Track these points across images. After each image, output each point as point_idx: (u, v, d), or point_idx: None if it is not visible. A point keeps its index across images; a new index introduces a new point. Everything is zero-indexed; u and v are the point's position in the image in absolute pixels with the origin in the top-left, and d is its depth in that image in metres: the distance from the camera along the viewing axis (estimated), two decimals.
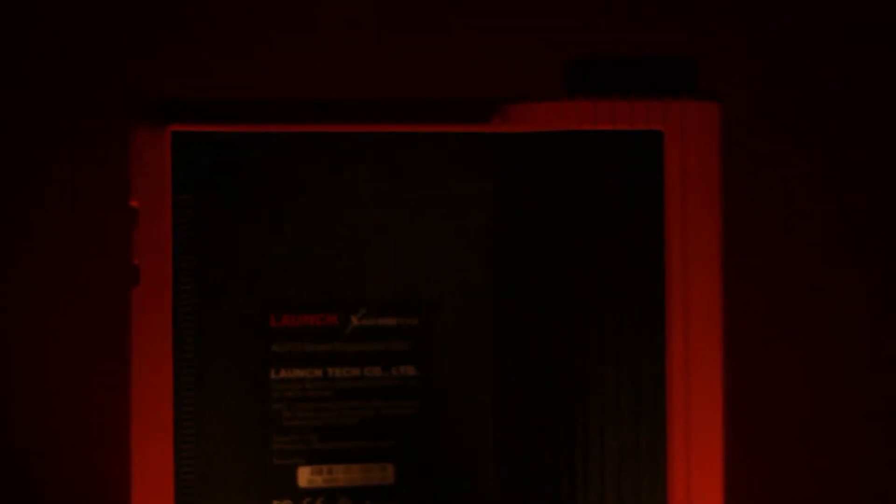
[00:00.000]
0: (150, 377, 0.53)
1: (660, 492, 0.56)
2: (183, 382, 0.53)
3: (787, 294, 0.81)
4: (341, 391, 0.55)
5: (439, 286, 0.56)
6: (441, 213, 0.56)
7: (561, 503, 0.56)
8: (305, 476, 0.54)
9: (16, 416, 0.82)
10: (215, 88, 0.77)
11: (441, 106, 0.56)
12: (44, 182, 0.81)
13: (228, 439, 0.54)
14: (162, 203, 0.54)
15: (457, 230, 0.56)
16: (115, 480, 0.80)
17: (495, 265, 0.56)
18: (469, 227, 0.56)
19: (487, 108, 0.56)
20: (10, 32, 0.80)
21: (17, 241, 0.81)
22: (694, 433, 0.56)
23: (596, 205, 0.56)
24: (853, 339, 0.81)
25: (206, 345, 0.53)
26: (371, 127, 0.55)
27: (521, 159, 0.56)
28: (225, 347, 0.54)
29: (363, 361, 0.55)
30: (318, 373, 0.55)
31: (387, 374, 0.55)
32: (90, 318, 0.81)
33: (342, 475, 0.54)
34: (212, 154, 0.54)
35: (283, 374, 0.54)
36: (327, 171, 0.54)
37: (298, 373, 0.54)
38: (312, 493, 0.54)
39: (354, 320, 0.55)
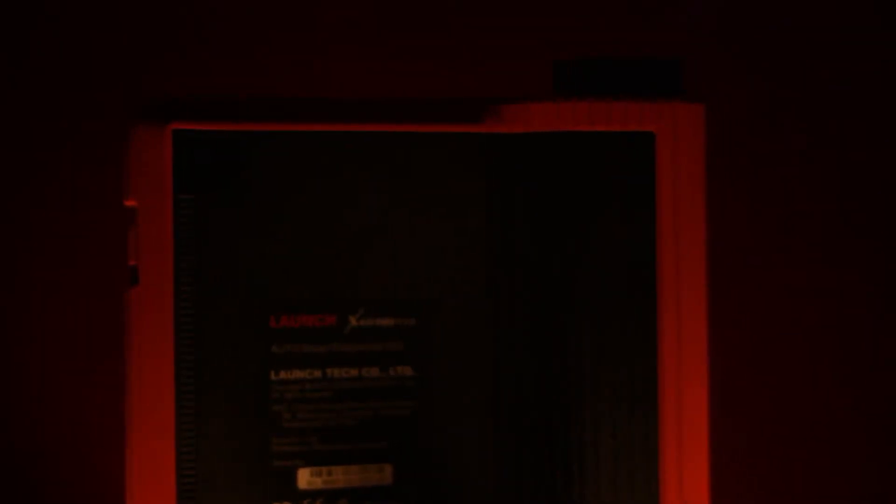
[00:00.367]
0: (150, 379, 0.53)
1: (653, 489, 0.56)
2: (183, 384, 0.53)
3: (787, 294, 0.81)
4: (340, 392, 0.55)
5: (437, 286, 0.56)
6: (437, 213, 0.56)
7: (557, 502, 0.56)
8: (305, 478, 0.54)
9: (16, 416, 0.82)
10: (215, 88, 0.77)
11: (435, 106, 0.56)
12: (44, 182, 0.81)
13: (228, 441, 0.53)
14: (162, 203, 0.53)
15: (453, 230, 0.56)
16: (115, 480, 0.80)
17: (489, 265, 0.56)
18: (464, 228, 0.56)
19: (481, 109, 0.56)
20: (10, 32, 0.80)
21: (17, 241, 0.81)
22: (685, 430, 0.57)
23: (589, 205, 0.56)
24: (853, 339, 0.81)
25: (205, 346, 0.53)
26: (365, 126, 0.54)
27: (514, 159, 0.56)
28: (224, 349, 0.54)
29: (361, 362, 0.55)
30: (318, 374, 0.55)
31: (384, 374, 0.55)
32: (90, 318, 0.81)
33: (341, 476, 0.54)
34: (212, 153, 0.54)
35: (283, 375, 0.54)
36: (325, 170, 0.54)
37: (298, 374, 0.54)
38: (312, 494, 0.54)
39: (353, 321, 0.55)
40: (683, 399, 0.57)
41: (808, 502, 0.80)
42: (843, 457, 0.81)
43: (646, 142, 0.56)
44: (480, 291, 0.56)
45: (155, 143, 0.53)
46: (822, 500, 0.80)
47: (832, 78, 0.80)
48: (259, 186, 0.54)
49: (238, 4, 0.80)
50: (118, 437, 0.80)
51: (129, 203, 0.53)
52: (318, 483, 0.54)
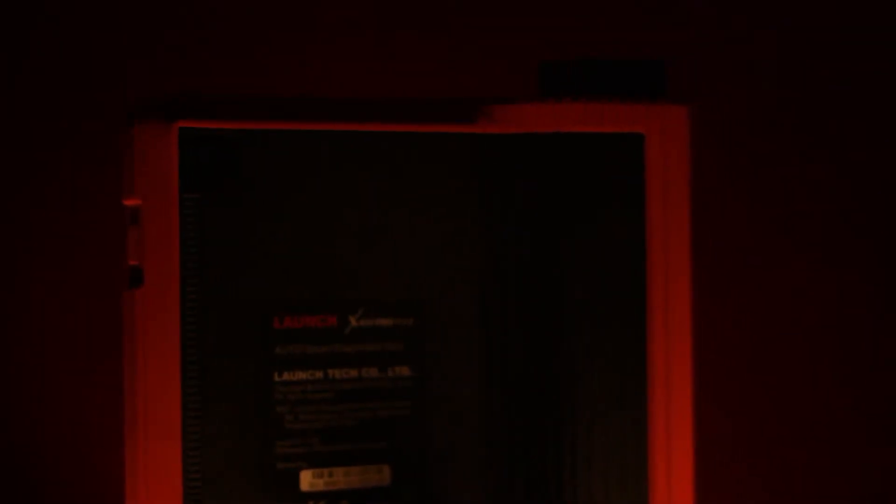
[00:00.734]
0: (155, 381, 0.52)
1: (643, 489, 0.56)
2: (188, 386, 0.52)
3: (787, 294, 0.81)
4: (341, 393, 0.55)
5: (434, 286, 0.56)
6: (432, 213, 0.55)
7: (550, 501, 0.56)
8: (308, 480, 0.54)
9: (16, 416, 0.82)
10: (215, 88, 0.77)
11: (427, 106, 0.56)
12: (44, 182, 0.81)
13: (234, 444, 0.53)
14: (168, 202, 0.52)
15: (448, 230, 0.56)
16: (115, 480, 0.80)
17: (483, 265, 0.56)
18: (459, 228, 0.56)
19: (473, 109, 0.56)
20: (10, 32, 0.80)
21: (17, 241, 0.81)
22: (673, 430, 0.57)
23: (579, 205, 0.56)
24: (853, 339, 0.81)
25: (210, 348, 0.53)
26: (359, 126, 0.54)
27: (506, 159, 0.56)
28: (229, 350, 0.53)
29: (361, 362, 0.55)
30: (319, 374, 0.54)
31: (383, 374, 0.55)
32: (90, 318, 0.81)
33: (342, 478, 0.54)
34: (217, 152, 0.53)
35: (286, 376, 0.54)
36: (325, 169, 0.54)
37: (301, 375, 0.54)
38: (314, 496, 0.54)
39: (353, 321, 0.55)
40: (672, 398, 0.57)
41: (808, 502, 0.80)
42: (843, 457, 0.81)
43: (635, 143, 0.56)
44: (474, 291, 0.56)
45: (160, 141, 0.52)
46: (822, 500, 0.80)
47: (832, 78, 0.80)
48: (261, 185, 0.53)
49: (238, 4, 0.80)
50: (118, 437, 0.80)
51: (130, 202, 0.53)
52: (320, 485, 0.54)
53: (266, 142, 0.53)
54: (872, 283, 0.81)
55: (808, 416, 0.81)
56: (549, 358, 0.56)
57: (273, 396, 0.53)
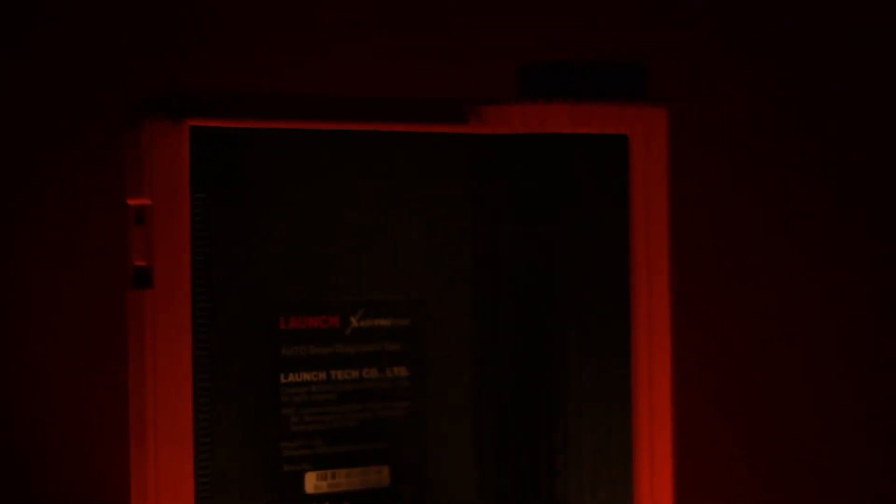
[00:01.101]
0: (165, 383, 0.51)
1: (628, 488, 0.57)
2: (199, 389, 0.52)
3: (787, 294, 0.81)
4: (343, 394, 0.54)
5: (430, 285, 0.56)
6: (427, 213, 0.55)
7: (540, 500, 0.56)
8: (312, 482, 0.54)
9: (16, 416, 0.82)
10: (215, 88, 0.77)
11: (419, 107, 0.55)
12: (44, 182, 0.81)
13: (242, 447, 0.53)
14: (178, 201, 0.52)
15: (442, 230, 0.56)
16: (115, 480, 0.80)
17: (474, 265, 0.56)
18: (452, 228, 0.56)
19: (464, 110, 0.56)
20: (10, 32, 0.80)
21: (17, 241, 0.81)
22: (656, 428, 0.57)
23: (566, 205, 0.56)
24: (853, 339, 0.81)
25: (219, 349, 0.52)
26: (350, 125, 0.54)
27: (497, 160, 0.56)
28: (236, 351, 0.53)
29: (361, 363, 0.55)
30: (323, 375, 0.54)
31: (382, 375, 0.55)
32: (90, 318, 0.81)
33: (344, 479, 0.54)
34: (225, 150, 0.53)
35: (292, 377, 0.54)
36: (327, 169, 0.54)
37: (305, 376, 0.54)
38: (318, 498, 0.54)
39: (354, 321, 0.55)
40: (654, 396, 0.57)
41: (807, 502, 0.81)
42: (843, 457, 0.81)
43: (619, 144, 0.57)
44: (468, 291, 0.56)
45: (171, 140, 0.51)
46: (822, 500, 0.80)
47: (832, 78, 0.80)
48: (266, 185, 0.53)
49: (238, 4, 0.80)
50: (118, 437, 0.80)
51: (136, 201, 0.52)
52: (324, 487, 0.54)
53: (270, 141, 0.53)
54: (872, 283, 0.81)
55: (808, 416, 0.81)
56: (537, 358, 0.56)
57: (280, 398, 0.53)
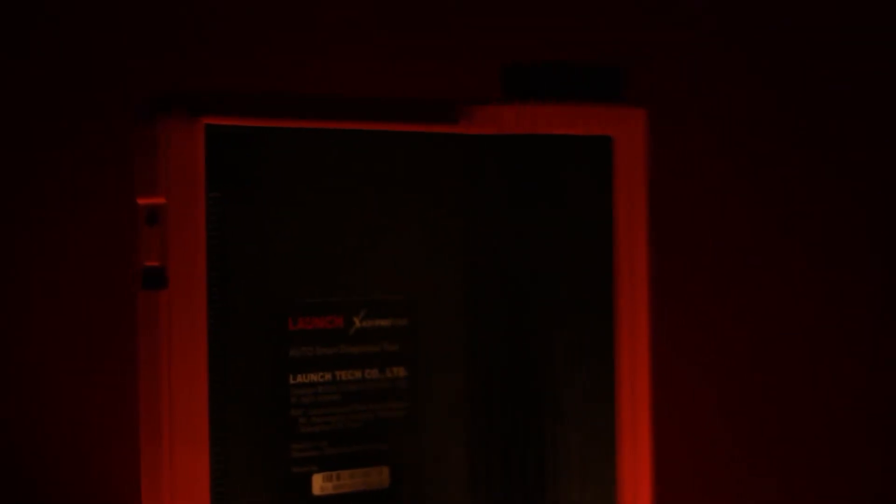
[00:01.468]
0: (180, 386, 0.50)
1: (611, 486, 0.57)
2: (214, 391, 0.51)
3: (787, 294, 0.81)
4: (347, 394, 0.54)
5: (427, 285, 0.56)
6: (425, 213, 0.56)
7: (533, 500, 0.56)
8: (318, 484, 0.54)
9: (16, 416, 0.82)
10: (215, 88, 0.77)
11: (406, 106, 0.55)
12: (44, 182, 0.81)
13: (250, 448, 0.52)
14: (193, 200, 0.51)
15: (437, 229, 0.56)
16: (115, 480, 0.81)
17: (466, 265, 0.56)
18: (445, 228, 0.56)
19: (455, 110, 0.56)
20: (10, 32, 0.80)
21: (17, 241, 0.81)
22: (638, 427, 0.58)
23: (552, 206, 0.57)
24: (853, 339, 0.81)
25: (231, 350, 0.52)
26: (342, 124, 0.54)
27: (487, 160, 0.56)
28: (248, 352, 0.52)
29: (363, 363, 0.55)
30: (328, 376, 0.54)
31: (382, 375, 0.55)
32: (90, 318, 0.81)
33: (348, 480, 0.54)
34: (239, 149, 0.52)
35: (300, 378, 0.54)
36: (333, 169, 0.54)
37: (312, 377, 0.54)
38: (323, 500, 0.54)
39: (357, 321, 0.55)
40: (635, 395, 0.57)
41: (807, 502, 0.81)
42: (843, 457, 0.81)
43: (603, 145, 0.57)
44: (459, 291, 0.56)
45: (187, 137, 0.51)
46: (822, 500, 0.80)
47: (832, 78, 0.80)
48: (278, 184, 0.53)
49: (238, 4, 0.80)
50: (118, 437, 0.80)
51: (147, 200, 0.51)
52: (330, 488, 0.54)
53: (281, 140, 0.53)
54: (872, 283, 0.81)
55: (808, 416, 0.81)
56: (528, 358, 0.56)
57: (289, 399, 0.53)
